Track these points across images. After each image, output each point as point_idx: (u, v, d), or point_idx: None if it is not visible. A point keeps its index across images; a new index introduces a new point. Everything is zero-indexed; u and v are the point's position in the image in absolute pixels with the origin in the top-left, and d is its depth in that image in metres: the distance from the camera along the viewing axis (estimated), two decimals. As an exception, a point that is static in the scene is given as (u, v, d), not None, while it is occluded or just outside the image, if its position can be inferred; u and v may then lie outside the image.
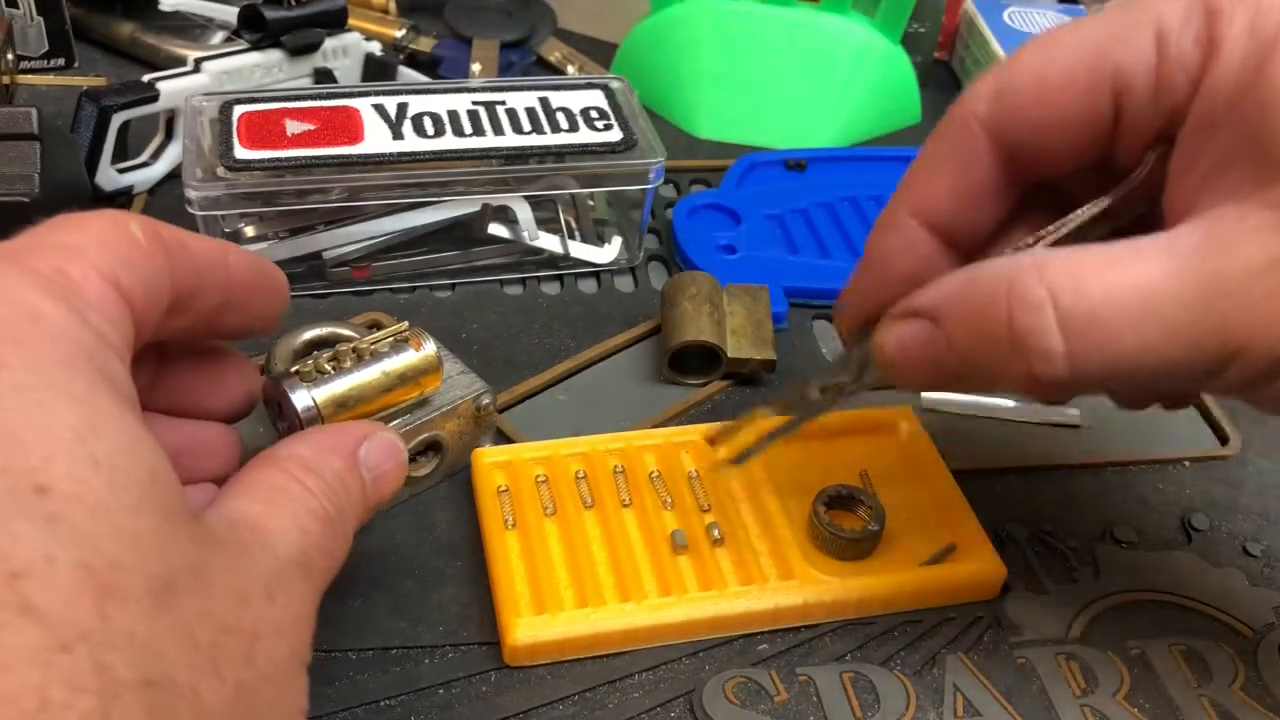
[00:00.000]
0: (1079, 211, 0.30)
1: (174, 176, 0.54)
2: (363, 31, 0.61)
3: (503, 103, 0.50)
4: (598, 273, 0.52)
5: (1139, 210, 0.30)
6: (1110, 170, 0.31)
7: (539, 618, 0.35)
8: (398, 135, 0.47)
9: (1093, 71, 0.29)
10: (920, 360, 0.30)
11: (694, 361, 0.46)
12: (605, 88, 0.52)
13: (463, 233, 0.50)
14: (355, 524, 0.29)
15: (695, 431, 0.41)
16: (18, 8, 0.59)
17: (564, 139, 0.48)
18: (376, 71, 0.59)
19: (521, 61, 0.66)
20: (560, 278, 0.52)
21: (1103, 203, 0.30)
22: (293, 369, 0.36)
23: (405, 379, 0.37)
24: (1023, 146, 0.30)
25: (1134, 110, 0.29)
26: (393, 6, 0.67)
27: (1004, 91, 0.30)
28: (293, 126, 0.47)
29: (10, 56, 0.58)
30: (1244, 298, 0.26)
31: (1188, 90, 0.28)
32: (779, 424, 0.36)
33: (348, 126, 0.47)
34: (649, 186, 0.49)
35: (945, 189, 0.32)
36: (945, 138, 0.32)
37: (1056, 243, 0.30)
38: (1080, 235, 0.31)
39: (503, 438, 0.42)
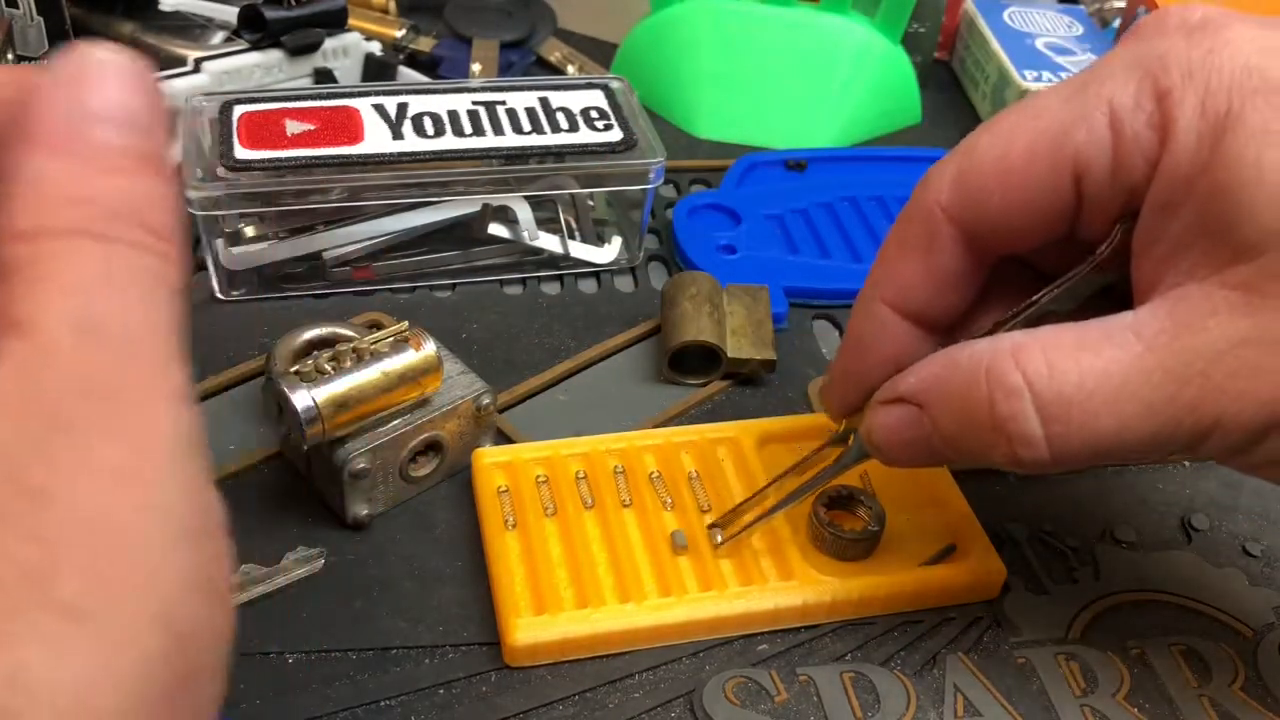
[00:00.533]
0: (1050, 288, 0.31)
1: (174, 176, 0.54)
2: (363, 31, 0.61)
3: (503, 103, 0.50)
4: (598, 273, 0.52)
5: (1112, 279, 0.31)
6: (1079, 242, 0.31)
7: (539, 618, 0.35)
8: (398, 135, 0.47)
9: (1053, 154, 0.29)
10: (908, 444, 0.32)
11: (694, 361, 0.46)
12: (605, 88, 0.52)
13: (463, 233, 0.50)
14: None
15: (695, 432, 0.41)
16: (17, 7, 0.59)
17: (564, 139, 0.48)
18: (376, 71, 0.59)
19: (521, 61, 0.66)
20: (560, 278, 0.52)
21: (1073, 278, 0.31)
22: (293, 369, 0.36)
23: (405, 379, 0.37)
24: (987, 229, 0.31)
25: (1095, 189, 0.29)
26: (393, 6, 0.67)
27: (965, 177, 0.31)
28: (293, 126, 0.47)
29: (10, 57, 0.58)
30: (1211, 377, 0.27)
31: (1145, 171, 0.28)
32: (773, 504, 0.37)
33: (348, 126, 0.47)
34: (649, 186, 0.49)
35: (915, 277, 0.32)
36: (910, 224, 0.32)
37: (1030, 320, 0.31)
38: (1055, 308, 0.31)
39: (503, 438, 0.42)
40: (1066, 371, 0.28)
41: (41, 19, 0.61)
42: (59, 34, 0.61)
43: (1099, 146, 0.28)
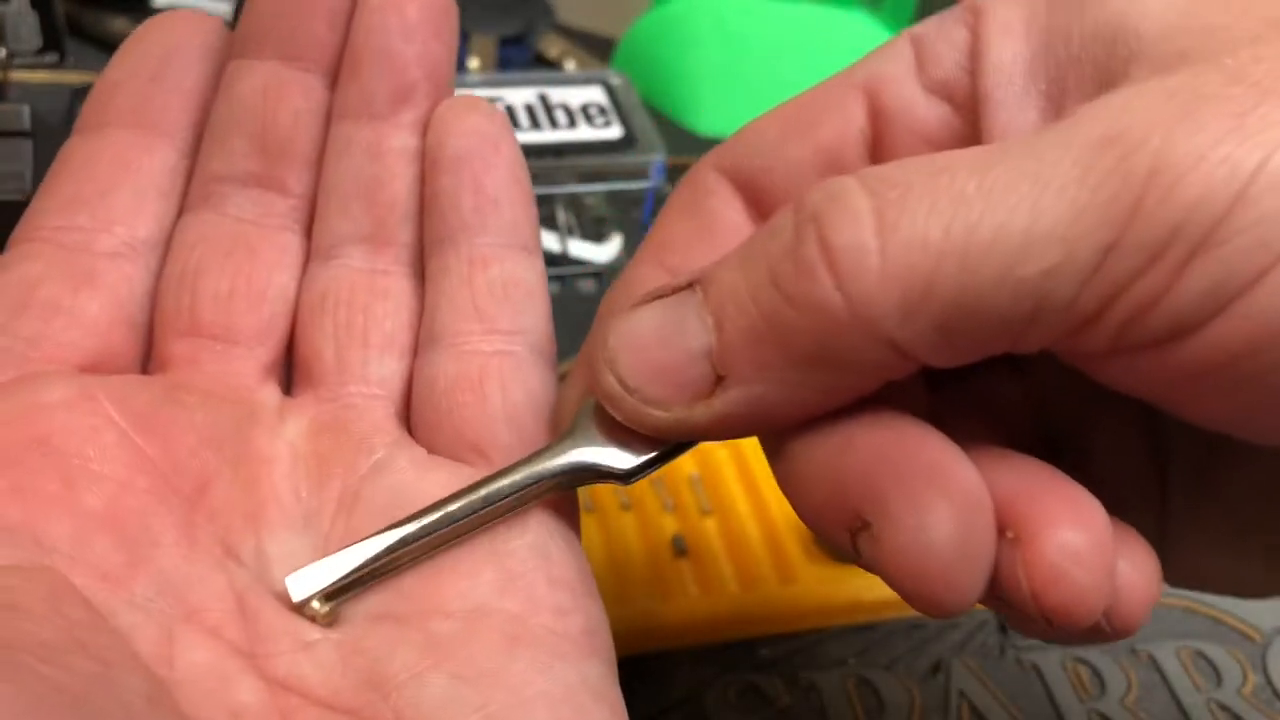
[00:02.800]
0: None
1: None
2: (360, 27, 0.60)
3: (500, 98, 0.49)
4: (598, 272, 0.52)
5: None
6: None
7: (537, 622, 0.34)
8: (394, 132, 0.46)
9: (841, 85, 0.23)
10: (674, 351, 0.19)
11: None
12: (605, 83, 0.52)
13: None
14: None
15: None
16: (9, 3, 0.58)
17: (563, 135, 0.48)
18: (374, 67, 0.58)
19: (520, 57, 0.66)
20: (560, 277, 0.51)
21: None
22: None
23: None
24: (764, 173, 0.23)
25: (894, 102, 0.22)
26: (390, 2, 0.66)
27: (741, 134, 0.24)
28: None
29: (2, 53, 0.58)
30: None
31: (958, 60, 0.20)
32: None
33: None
34: (649, 184, 0.49)
35: (686, 233, 0.23)
36: (680, 190, 0.25)
37: None
38: None
39: (501, 438, 0.42)
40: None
41: (35, 13, 0.60)
42: (52, 29, 0.60)
43: (891, 61, 0.22)
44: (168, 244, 0.24)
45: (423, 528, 0.20)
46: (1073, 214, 0.16)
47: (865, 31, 0.63)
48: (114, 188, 0.23)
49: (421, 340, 0.24)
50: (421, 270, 0.24)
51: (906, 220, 0.16)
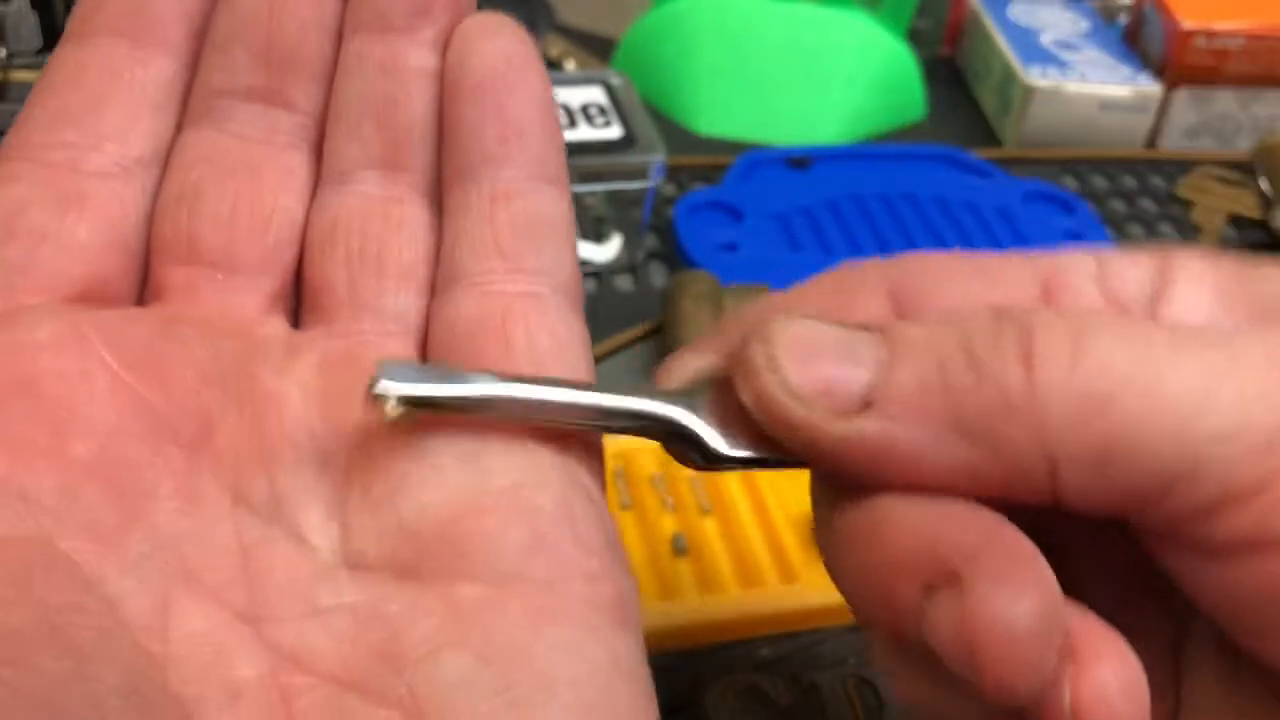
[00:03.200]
0: None
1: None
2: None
3: (501, 99, 0.49)
4: (597, 272, 0.52)
5: None
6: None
7: (537, 622, 0.34)
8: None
9: None
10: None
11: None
12: (605, 84, 0.52)
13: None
14: None
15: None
16: (10, 3, 0.58)
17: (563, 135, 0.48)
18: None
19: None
20: (560, 276, 0.51)
21: None
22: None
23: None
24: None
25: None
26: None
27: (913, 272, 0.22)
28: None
29: (3, 52, 0.58)
30: None
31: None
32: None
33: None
34: (649, 184, 0.49)
35: (824, 301, 0.23)
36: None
37: None
38: None
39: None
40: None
41: (36, 13, 0.60)
42: (53, 29, 0.60)
43: (1075, 261, 0.21)
44: (164, 164, 0.22)
45: (525, 397, 0.19)
46: (1257, 390, 0.17)
47: (865, 32, 0.63)
48: (104, 101, 0.21)
49: (440, 279, 0.22)
50: (438, 201, 0.22)
51: (1102, 347, 0.17)
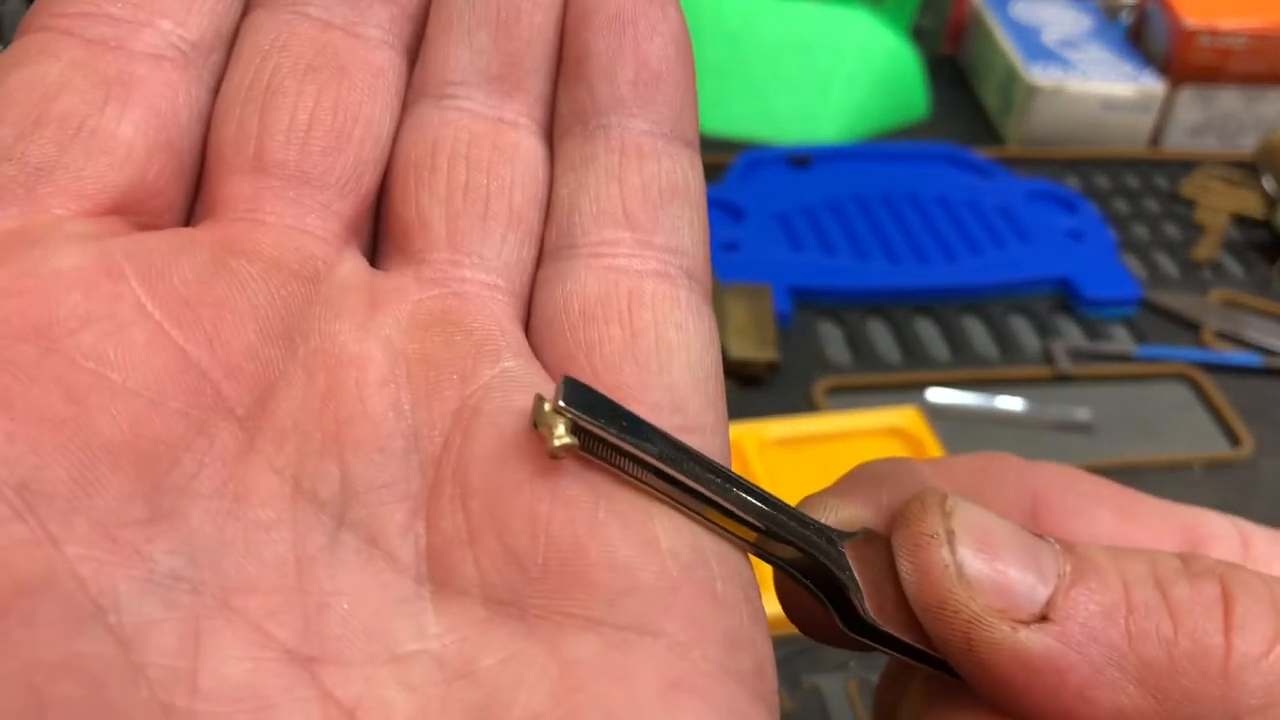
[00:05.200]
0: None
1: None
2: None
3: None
4: (598, 270, 0.51)
5: None
6: None
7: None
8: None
9: None
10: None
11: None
12: (606, 82, 0.51)
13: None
14: None
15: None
16: (7, 3, 0.58)
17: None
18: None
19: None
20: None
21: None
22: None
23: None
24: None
25: None
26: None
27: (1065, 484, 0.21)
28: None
29: (1, 47, 0.57)
30: None
31: None
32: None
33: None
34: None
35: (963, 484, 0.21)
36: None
37: None
38: None
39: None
40: None
41: (33, 12, 0.60)
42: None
43: (1221, 526, 0.21)
44: (229, 50, 0.18)
45: (702, 472, 0.16)
46: None
47: (867, 30, 0.62)
48: None
49: (551, 243, 0.18)
50: (551, 138, 0.19)
51: None
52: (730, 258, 0.51)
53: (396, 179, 0.18)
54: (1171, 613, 0.16)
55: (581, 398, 0.15)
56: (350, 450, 0.16)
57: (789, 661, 0.35)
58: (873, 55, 0.62)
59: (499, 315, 0.17)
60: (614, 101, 0.18)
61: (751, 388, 0.45)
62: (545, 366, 0.17)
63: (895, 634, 0.16)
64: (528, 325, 0.18)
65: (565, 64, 0.19)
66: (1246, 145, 0.64)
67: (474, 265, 0.17)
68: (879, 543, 0.17)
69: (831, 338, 0.49)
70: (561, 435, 0.15)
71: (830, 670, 0.35)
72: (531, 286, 0.18)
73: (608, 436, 0.15)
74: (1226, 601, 0.16)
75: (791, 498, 0.18)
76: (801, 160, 0.57)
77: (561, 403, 0.15)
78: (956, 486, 0.18)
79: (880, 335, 0.50)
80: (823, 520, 0.17)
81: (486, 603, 0.15)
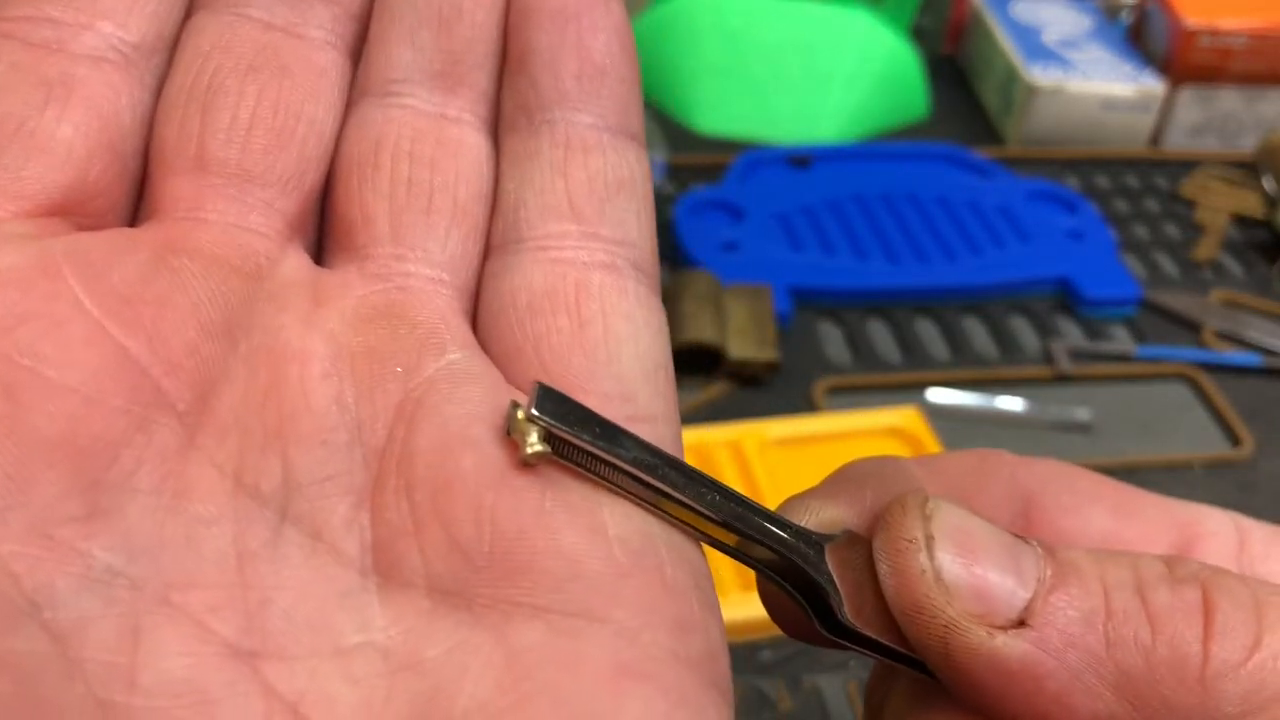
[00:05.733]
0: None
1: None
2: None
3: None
4: (598, 270, 0.51)
5: None
6: None
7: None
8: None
9: None
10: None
11: (695, 362, 0.45)
12: (606, 82, 0.51)
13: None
14: None
15: (696, 435, 0.40)
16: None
17: (563, 134, 0.47)
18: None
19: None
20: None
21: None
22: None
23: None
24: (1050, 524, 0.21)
25: None
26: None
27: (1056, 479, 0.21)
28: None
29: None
30: None
31: None
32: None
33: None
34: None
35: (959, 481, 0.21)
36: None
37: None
38: None
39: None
40: None
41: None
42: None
43: (1217, 523, 0.21)
44: (171, 53, 0.18)
45: (677, 477, 0.16)
46: None
47: (867, 30, 0.62)
48: None
49: (497, 235, 0.18)
50: (497, 138, 0.19)
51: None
52: (730, 258, 0.51)
53: (340, 176, 0.18)
54: (1151, 619, 0.16)
55: (555, 405, 0.15)
56: (293, 444, 0.16)
57: (789, 661, 0.35)
58: (873, 55, 0.62)
59: (443, 309, 0.17)
60: (558, 96, 0.18)
61: (751, 388, 0.45)
62: (493, 360, 0.17)
63: (874, 636, 0.16)
64: (475, 320, 0.18)
65: (509, 61, 0.19)
66: (1247, 145, 0.64)
67: (418, 260, 0.17)
68: (861, 545, 0.17)
69: (831, 338, 0.49)
70: (534, 444, 0.15)
71: (830, 670, 0.35)
72: (478, 282, 0.18)
73: (582, 444, 0.15)
74: (1207, 608, 0.16)
75: (791, 494, 0.18)
76: (801, 160, 0.57)
77: (534, 410, 0.15)
78: (947, 485, 0.18)
79: (880, 335, 0.50)
80: (804, 522, 0.17)
81: (432, 593, 0.15)
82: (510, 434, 0.15)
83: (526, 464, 0.15)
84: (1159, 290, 0.53)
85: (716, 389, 0.45)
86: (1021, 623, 0.16)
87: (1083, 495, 0.19)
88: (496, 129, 0.19)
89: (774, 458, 0.40)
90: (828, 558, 0.17)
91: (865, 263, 0.52)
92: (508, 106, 0.19)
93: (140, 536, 0.14)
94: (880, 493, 0.17)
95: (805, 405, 0.45)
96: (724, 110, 0.61)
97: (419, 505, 0.15)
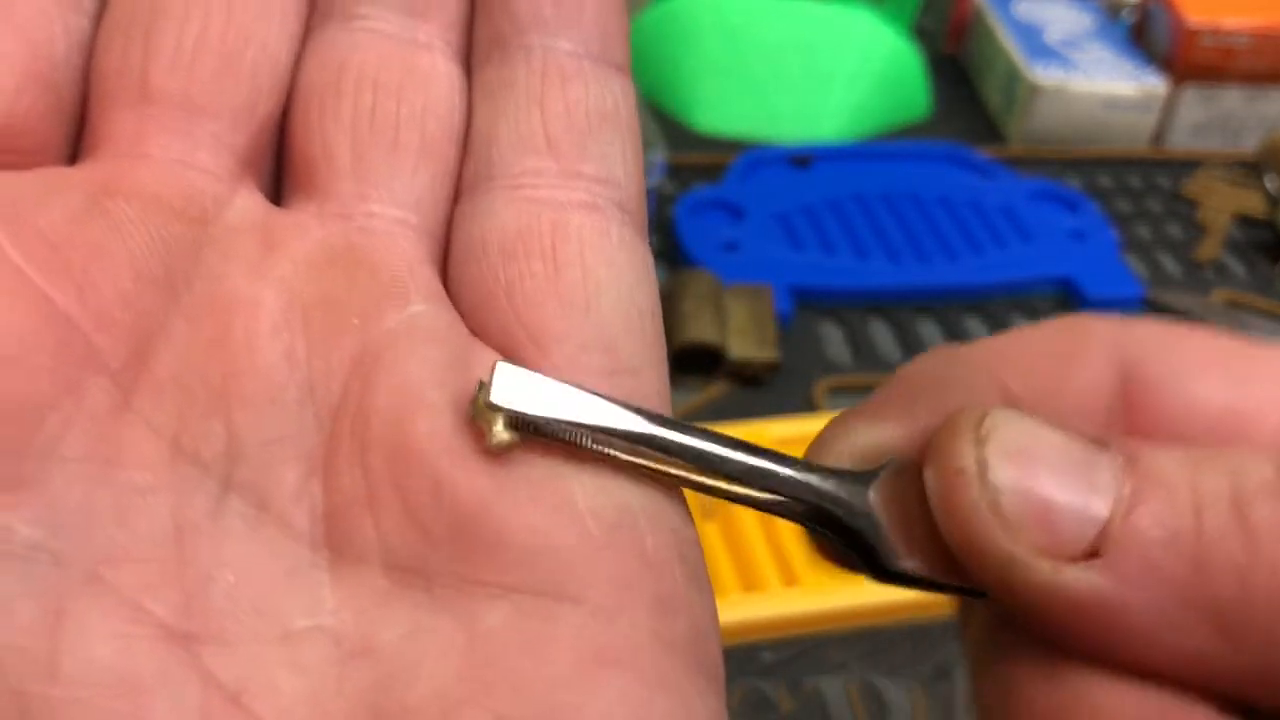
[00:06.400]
0: None
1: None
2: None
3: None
4: (598, 270, 0.51)
5: None
6: None
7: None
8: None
9: None
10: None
11: (695, 362, 0.45)
12: (606, 81, 0.51)
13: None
14: None
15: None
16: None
17: (563, 133, 0.47)
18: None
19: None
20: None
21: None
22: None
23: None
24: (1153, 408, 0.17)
25: None
26: None
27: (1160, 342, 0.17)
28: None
29: None
30: None
31: None
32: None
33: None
34: (650, 183, 0.48)
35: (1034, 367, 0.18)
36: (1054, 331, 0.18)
37: None
38: None
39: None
40: None
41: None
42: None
43: None
44: None
45: (673, 442, 0.14)
46: None
47: (868, 29, 0.62)
48: None
49: (468, 174, 0.17)
50: (468, 66, 0.18)
51: None
52: (730, 258, 0.51)
53: (298, 108, 0.17)
54: (1249, 538, 0.13)
55: (520, 388, 0.14)
56: (237, 405, 0.14)
57: (789, 662, 0.35)
58: (874, 54, 0.62)
59: (408, 253, 0.16)
60: (535, 21, 0.17)
61: (751, 388, 0.45)
62: (461, 309, 0.16)
63: (930, 577, 0.15)
64: (444, 267, 0.16)
65: None
66: (1249, 145, 0.64)
67: (382, 199, 0.16)
68: (912, 473, 0.15)
69: (832, 338, 0.49)
70: (499, 433, 0.14)
71: (830, 671, 0.35)
72: (448, 224, 0.17)
73: (558, 427, 0.14)
74: None
75: None
76: (802, 160, 0.57)
77: (494, 400, 0.14)
78: (1026, 373, 0.16)
79: (881, 335, 0.50)
80: (844, 450, 0.15)
81: (388, 571, 0.14)
82: (474, 419, 0.14)
83: (494, 453, 0.14)
84: (1161, 290, 0.53)
85: (716, 389, 0.45)
86: (1095, 552, 0.13)
87: (1193, 361, 0.16)
88: (469, 61, 0.17)
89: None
90: (875, 493, 0.15)
91: (866, 262, 0.52)
92: (481, 35, 0.17)
93: (66, 508, 0.13)
94: (935, 406, 0.15)
95: (805, 405, 0.45)
96: (724, 109, 0.61)
97: (373, 470, 0.14)
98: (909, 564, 0.15)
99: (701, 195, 0.54)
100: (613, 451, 0.14)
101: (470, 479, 0.14)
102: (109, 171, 0.15)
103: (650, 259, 0.17)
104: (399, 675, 0.13)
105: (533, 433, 0.14)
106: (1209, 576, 0.13)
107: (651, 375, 0.16)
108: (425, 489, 0.14)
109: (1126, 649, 0.14)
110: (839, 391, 0.46)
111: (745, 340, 0.45)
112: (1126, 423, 0.16)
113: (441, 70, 0.17)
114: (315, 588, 0.14)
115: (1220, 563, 0.13)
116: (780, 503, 0.15)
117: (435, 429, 0.14)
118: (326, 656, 0.13)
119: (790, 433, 0.41)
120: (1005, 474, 0.14)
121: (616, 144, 0.17)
